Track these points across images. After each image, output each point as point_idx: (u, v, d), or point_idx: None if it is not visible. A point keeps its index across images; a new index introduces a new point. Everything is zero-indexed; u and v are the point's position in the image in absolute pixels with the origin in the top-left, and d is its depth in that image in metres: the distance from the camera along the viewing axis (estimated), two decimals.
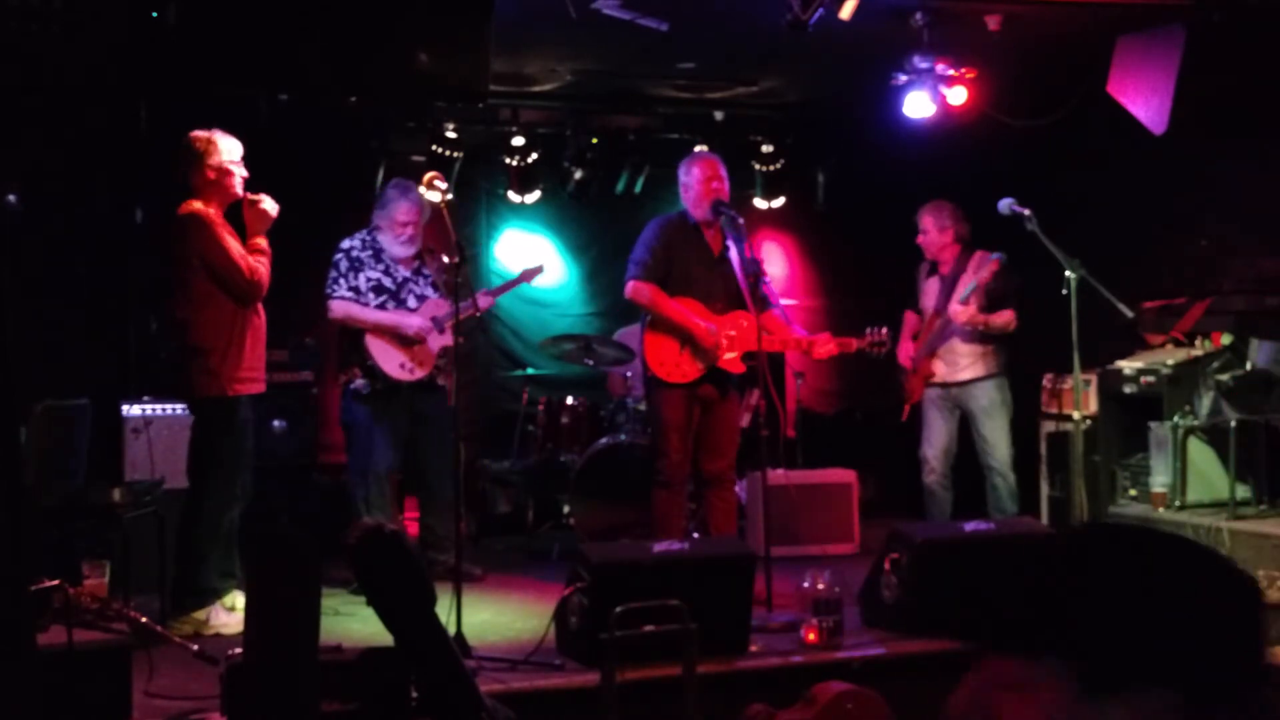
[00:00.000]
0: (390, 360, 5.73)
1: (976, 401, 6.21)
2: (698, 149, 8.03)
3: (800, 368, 8.12)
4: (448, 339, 5.58)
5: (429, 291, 5.89)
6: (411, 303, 5.87)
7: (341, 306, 5.78)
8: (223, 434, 4.96)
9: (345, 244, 5.88)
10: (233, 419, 4.95)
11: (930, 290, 6.39)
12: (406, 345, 5.78)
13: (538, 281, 8.27)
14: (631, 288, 5.50)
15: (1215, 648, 1.44)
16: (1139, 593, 1.47)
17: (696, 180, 5.55)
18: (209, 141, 4.98)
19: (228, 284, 4.91)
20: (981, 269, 6.09)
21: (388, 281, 5.85)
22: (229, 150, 5.02)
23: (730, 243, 5.57)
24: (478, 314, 6.13)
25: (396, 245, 5.87)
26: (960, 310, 6.11)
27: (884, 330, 5.70)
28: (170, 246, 4.98)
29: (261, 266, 4.99)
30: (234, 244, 4.95)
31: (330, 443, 7.56)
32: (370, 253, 5.87)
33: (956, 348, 6.23)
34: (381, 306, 5.81)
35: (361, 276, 5.80)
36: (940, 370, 6.27)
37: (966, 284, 6.15)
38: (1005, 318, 6.17)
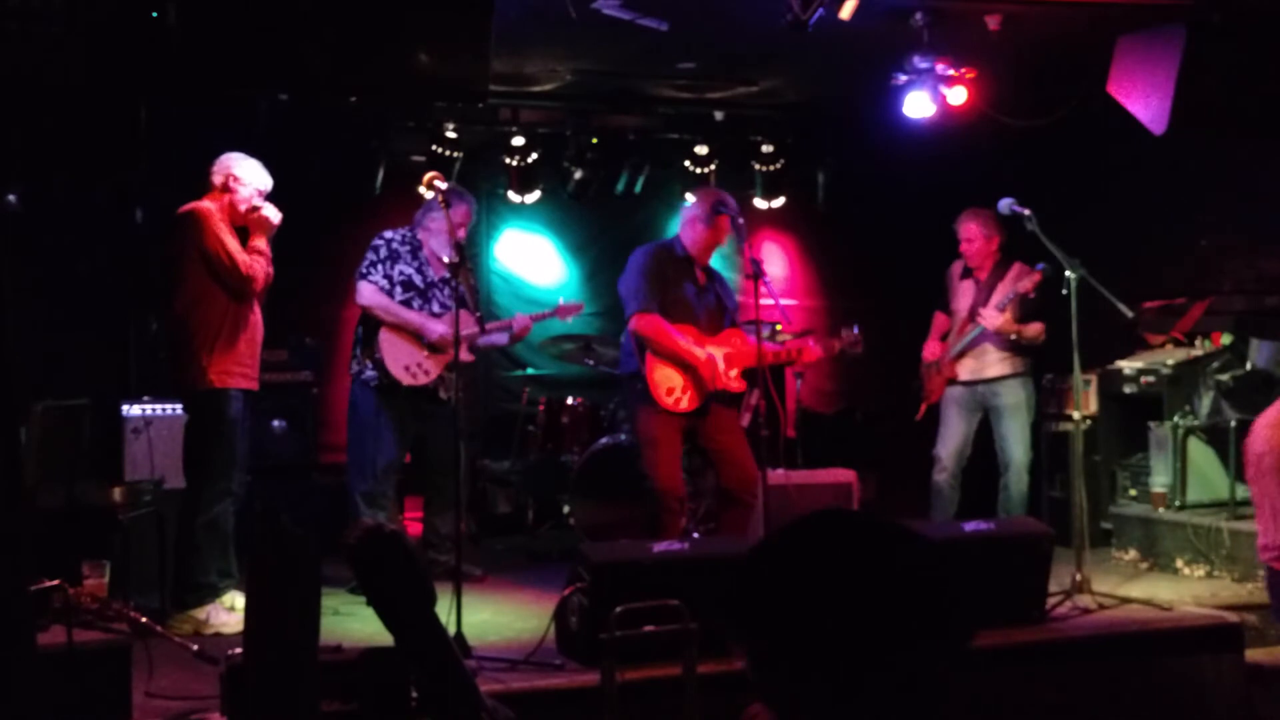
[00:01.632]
0: (397, 361, 5.70)
1: (1001, 399, 6.20)
2: (698, 149, 8.05)
3: (800, 367, 8.11)
4: (465, 357, 5.58)
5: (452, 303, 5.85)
6: (435, 307, 5.82)
7: (372, 293, 5.72)
8: (213, 427, 4.97)
9: (387, 234, 5.85)
10: (222, 412, 4.96)
11: (964, 293, 6.36)
12: (424, 349, 5.73)
13: (538, 281, 8.32)
14: (636, 321, 5.46)
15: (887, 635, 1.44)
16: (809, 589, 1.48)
17: (706, 228, 5.55)
18: (243, 158, 5.13)
19: (222, 277, 4.95)
20: (1022, 279, 6.03)
21: (418, 279, 5.81)
22: (258, 178, 5.12)
23: (717, 285, 5.69)
24: (516, 340, 6.21)
25: (447, 249, 5.79)
26: (994, 316, 6.07)
27: (856, 329, 5.69)
28: (169, 243, 5.02)
29: (257, 265, 5.03)
30: (231, 240, 5.01)
31: (330, 443, 7.56)
32: (409, 248, 5.84)
33: (987, 349, 6.22)
34: (406, 303, 5.78)
35: (396, 268, 5.77)
36: (967, 369, 6.25)
37: (1004, 292, 6.12)
38: (1037, 329, 6.14)
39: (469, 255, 5.81)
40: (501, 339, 6.15)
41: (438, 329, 5.70)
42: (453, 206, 5.78)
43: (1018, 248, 6.19)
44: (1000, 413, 6.21)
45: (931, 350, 6.37)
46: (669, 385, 5.46)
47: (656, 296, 5.46)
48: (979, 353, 6.23)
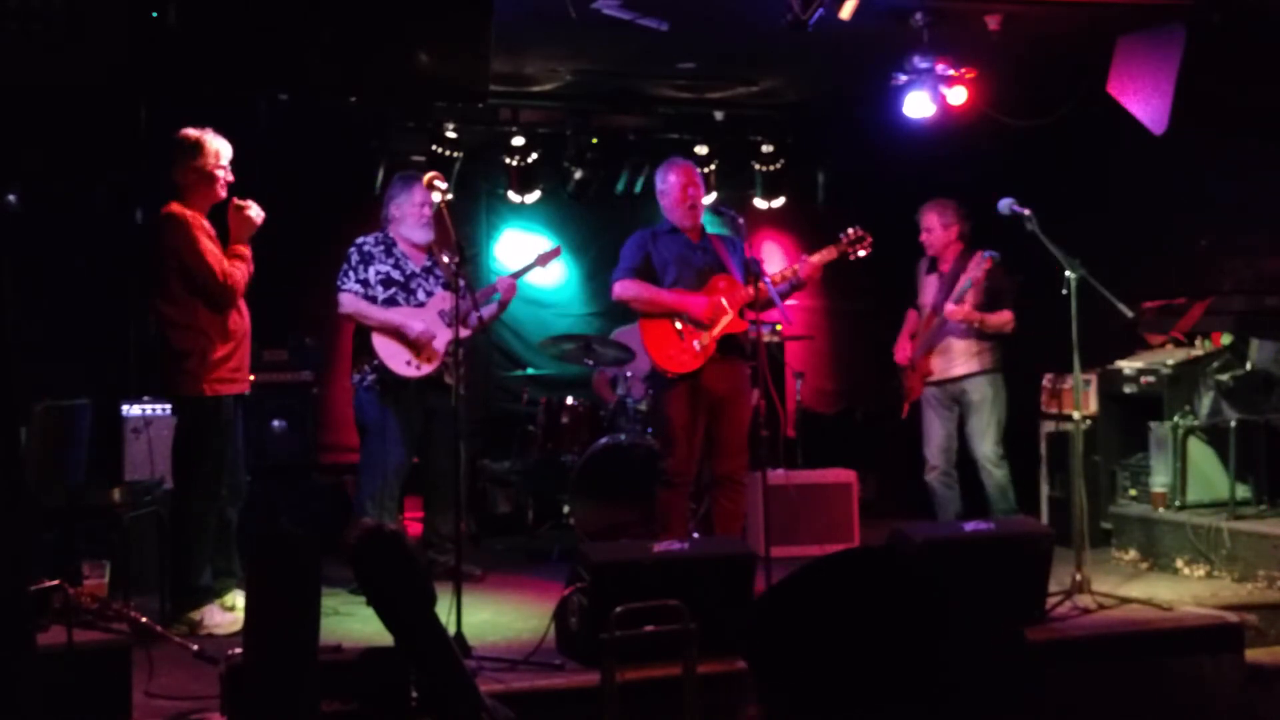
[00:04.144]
0: (396, 358, 5.71)
1: (968, 396, 6.21)
2: (697, 149, 8.07)
3: (800, 367, 8.11)
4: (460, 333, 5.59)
5: (439, 289, 5.88)
6: (421, 296, 5.84)
7: (350, 301, 5.76)
8: (204, 434, 4.94)
9: (359, 239, 5.88)
10: (214, 419, 4.93)
11: (929, 287, 6.39)
12: (411, 344, 5.76)
13: (539, 281, 8.32)
14: (616, 288, 5.67)
15: (890, 667, 1.45)
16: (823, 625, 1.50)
17: (673, 186, 5.66)
18: (197, 141, 4.98)
19: (200, 287, 4.87)
20: (977, 267, 6.08)
21: (396, 274, 5.83)
22: (217, 152, 5.00)
23: (715, 240, 5.64)
24: (502, 310, 6.17)
25: (417, 230, 5.84)
26: (955, 309, 6.10)
27: (858, 229, 5.72)
28: (152, 246, 4.97)
29: (238, 272, 4.94)
30: (211, 247, 4.91)
31: (330, 443, 7.56)
32: (382, 248, 5.86)
33: (952, 344, 6.23)
34: (391, 299, 5.78)
35: (371, 270, 5.79)
36: (936, 367, 6.27)
37: (962, 282, 6.14)
38: (1003, 318, 6.16)
39: (469, 256, 5.81)
40: (492, 308, 6.11)
41: (416, 326, 5.71)
42: (406, 190, 5.82)
43: (1017, 248, 6.18)
44: (968, 409, 6.23)
45: (902, 351, 6.38)
46: (664, 346, 5.51)
47: (639, 269, 5.60)
48: (945, 350, 6.25)
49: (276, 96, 6.71)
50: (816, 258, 5.63)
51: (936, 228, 6.31)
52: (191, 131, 5.00)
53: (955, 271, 6.24)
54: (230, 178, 5.04)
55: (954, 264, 6.27)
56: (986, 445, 6.18)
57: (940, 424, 6.29)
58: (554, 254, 6.46)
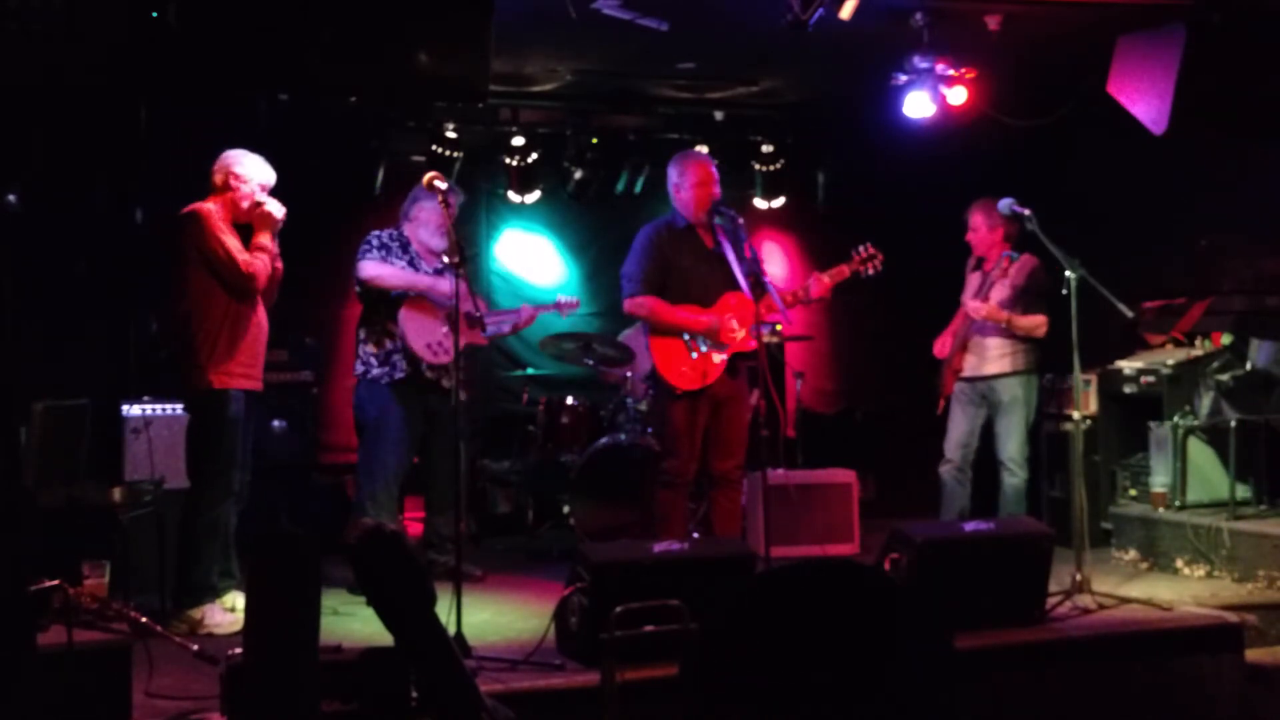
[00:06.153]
0: (419, 338, 5.66)
1: (998, 396, 6.19)
2: (698, 149, 8.07)
3: (800, 367, 8.12)
4: (475, 338, 5.55)
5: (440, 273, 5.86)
6: (435, 296, 5.84)
7: (374, 264, 5.72)
8: (212, 427, 4.95)
9: (375, 232, 5.86)
10: (222, 413, 4.94)
11: (970, 285, 6.37)
12: (443, 324, 5.68)
13: (538, 281, 8.34)
14: (629, 304, 5.54)
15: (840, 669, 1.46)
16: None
17: (690, 184, 5.53)
18: (244, 155, 5.09)
19: (222, 276, 4.93)
20: (999, 265, 6.06)
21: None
22: (260, 173, 5.10)
23: (725, 240, 5.56)
24: (517, 329, 6.29)
25: (437, 237, 5.82)
26: (976, 305, 6.09)
27: (870, 246, 5.65)
28: (170, 245, 5.02)
29: (259, 262, 5.00)
30: (231, 239, 4.98)
31: (330, 443, 7.56)
32: (398, 244, 5.85)
33: (985, 341, 6.20)
34: (403, 295, 5.78)
35: (388, 261, 5.80)
36: (968, 364, 6.26)
37: (997, 281, 6.13)
38: (1035, 320, 6.12)
39: (469, 256, 5.80)
40: (505, 327, 6.13)
41: (444, 287, 5.61)
42: (449, 204, 5.81)
43: (1018, 248, 6.19)
44: (997, 409, 6.22)
45: (941, 345, 6.37)
46: (675, 363, 5.44)
47: (652, 279, 5.48)
48: (978, 348, 6.22)
49: (276, 96, 6.71)
50: (829, 277, 5.57)
51: (981, 227, 6.27)
52: (238, 153, 5.10)
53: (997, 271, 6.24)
54: (262, 200, 5.08)
55: (996, 263, 6.26)
56: (1011, 447, 6.16)
57: (964, 420, 6.27)
58: (573, 305, 6.59)
